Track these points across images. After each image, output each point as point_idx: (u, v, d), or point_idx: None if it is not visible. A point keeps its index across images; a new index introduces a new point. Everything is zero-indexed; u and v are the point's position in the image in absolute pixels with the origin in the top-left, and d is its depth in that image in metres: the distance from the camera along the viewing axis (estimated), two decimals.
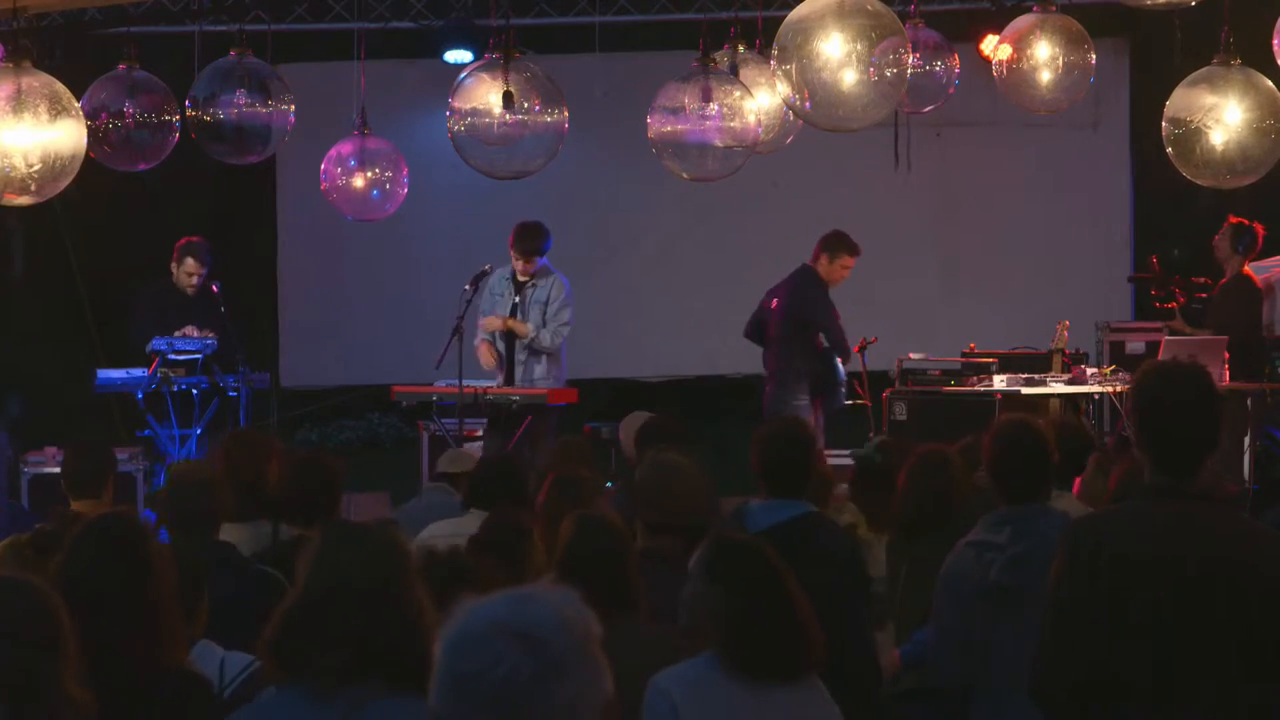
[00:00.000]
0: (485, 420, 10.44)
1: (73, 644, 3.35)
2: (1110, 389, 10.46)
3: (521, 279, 10.48)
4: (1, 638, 3.25)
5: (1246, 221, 10.88)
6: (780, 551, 4.89)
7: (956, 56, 9.23)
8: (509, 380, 10.48)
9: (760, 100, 8.87)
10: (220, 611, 4.44)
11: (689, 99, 8.69)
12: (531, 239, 10.39)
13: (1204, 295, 11.22)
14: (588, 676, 2.25)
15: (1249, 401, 10.43)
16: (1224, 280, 11.03)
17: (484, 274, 10.33)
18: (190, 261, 10.50)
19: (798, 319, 10.71)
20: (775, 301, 10.87)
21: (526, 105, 8.48)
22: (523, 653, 2.21)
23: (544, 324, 10.38)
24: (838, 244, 10.80)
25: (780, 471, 5.24)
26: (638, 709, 4.05)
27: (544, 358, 10.45)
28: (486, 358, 10.48)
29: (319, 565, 3.25)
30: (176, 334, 10.21)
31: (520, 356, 10.48)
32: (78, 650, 3.37)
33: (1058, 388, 10.56)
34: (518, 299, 10.46)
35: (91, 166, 8.76)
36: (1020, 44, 8.78)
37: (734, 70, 8.92)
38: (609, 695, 2.26)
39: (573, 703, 2.23)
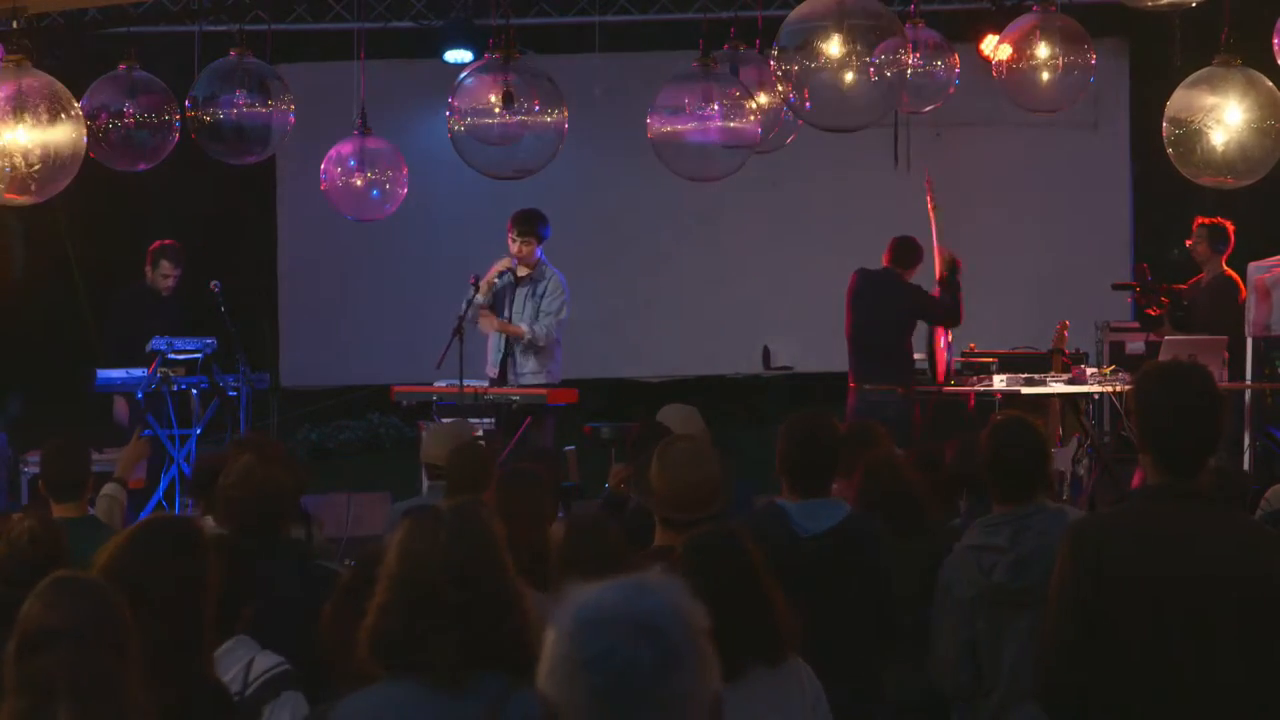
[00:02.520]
0: (490, 420, 10.43)
1: (135, 646, 3.31)
2: (1110, 389, 10.46)
3: (520, 273, 10.45)
4: (71, 638, 3.20)
5: (1218, 220, 10.91)
6: (839, 556, 4.90)
7: (956, 56, 9.24)
8: (502, 377, 10.48)
9: (760, 100, 8.87)
10: (285, 611, 4.45)
11: (689, 99, 8.69)
12: (528, 220, 10.37)
13: (1188, 303, 11.23)
14: (702, 668, 2.24)
15: (1247, 399, 10.45)
16: (1203, 280, 11.04)
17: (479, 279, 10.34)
18: (165, 264, 10.59)
19: (914, 315, 10.62)
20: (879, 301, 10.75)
21: (526, 105, 8.49)
22: (642, 642, 2.20)
23: (537, 319, 10.39)
24: (920, 252, 10.73)
25: (809, 469, 5.15)
26: None
27: (534, 353, 10.44)
28: (487, 325, 10.42)
29: (408, 552, 3.18)
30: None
31: (515, 350, 10.48)
32: (138, 652, 3.33)
33: (1058, 388, 10.55)
34: (511, 297, 10.44)
35: (91, 166, 8.76)
36: (1020, 44, 8.79)
37: (734, 70, 8.92)
38: (718, 688, 2.26)
39: (688, 693, 2.22)
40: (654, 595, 2.26)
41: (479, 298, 10.30)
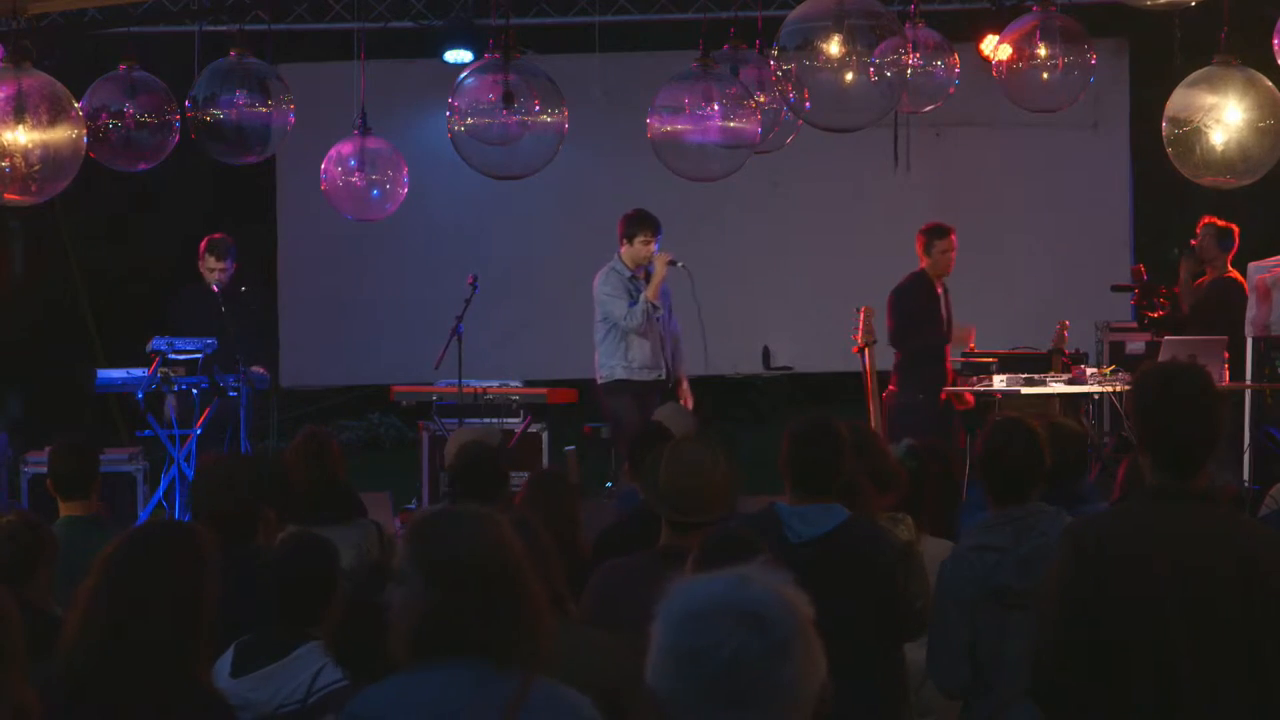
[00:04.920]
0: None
1: (20, 646, 3.32)
2: (1110, 389, 10.46)
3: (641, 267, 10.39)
4: None
5: (1223, 221, 10.92)
6: (833, 561, 4.87)
7: (956, 56, 9.24)
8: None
9: (760, 99, 8.87)
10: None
11: (689, 99, 8.69)
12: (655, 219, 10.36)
13: (1190, 305, 11.22)
14: (810, 657, 2.26)
15: (1247, 399, 10.45)
16: (1204, 280, 11.03)
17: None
18: (210, 259, 10.52)
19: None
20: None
21: (526, 105, 8.49)
22: (750, 632, 2.22)
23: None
24: (932, 231, 10.85)
25: (809, 471, 5.11)
26: None
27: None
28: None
29: (431, 541, 3.22)
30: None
31: (677, 347, 10.49)
32: (24, 651, 3.34)
33: (1058, 388, 10.55)
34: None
35: (91, 166, 8.76)
36: (1020, 44, 8.79)
37: (734, 71, 8.92)
38: (825, 676, 2.26)
39: (796, 682, 2.24)
40: (759, 585, 2.28)
41: (651, 304, 10.26)
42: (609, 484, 10.88)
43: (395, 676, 3.20)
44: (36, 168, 7.74)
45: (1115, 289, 12.53)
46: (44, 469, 9.94)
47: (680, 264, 10.33)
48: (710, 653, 2.22)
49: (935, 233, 10.80)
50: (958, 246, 10.82)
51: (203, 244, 10.62)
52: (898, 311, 10.70)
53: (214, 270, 10.51)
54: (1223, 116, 7.96)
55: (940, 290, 10.80)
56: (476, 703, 3.09)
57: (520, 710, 3.06)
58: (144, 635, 3.60)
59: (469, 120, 8.53)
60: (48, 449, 6.96)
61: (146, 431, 10.25)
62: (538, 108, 8.52)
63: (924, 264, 10.78)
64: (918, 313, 10.69)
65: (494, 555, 3.19)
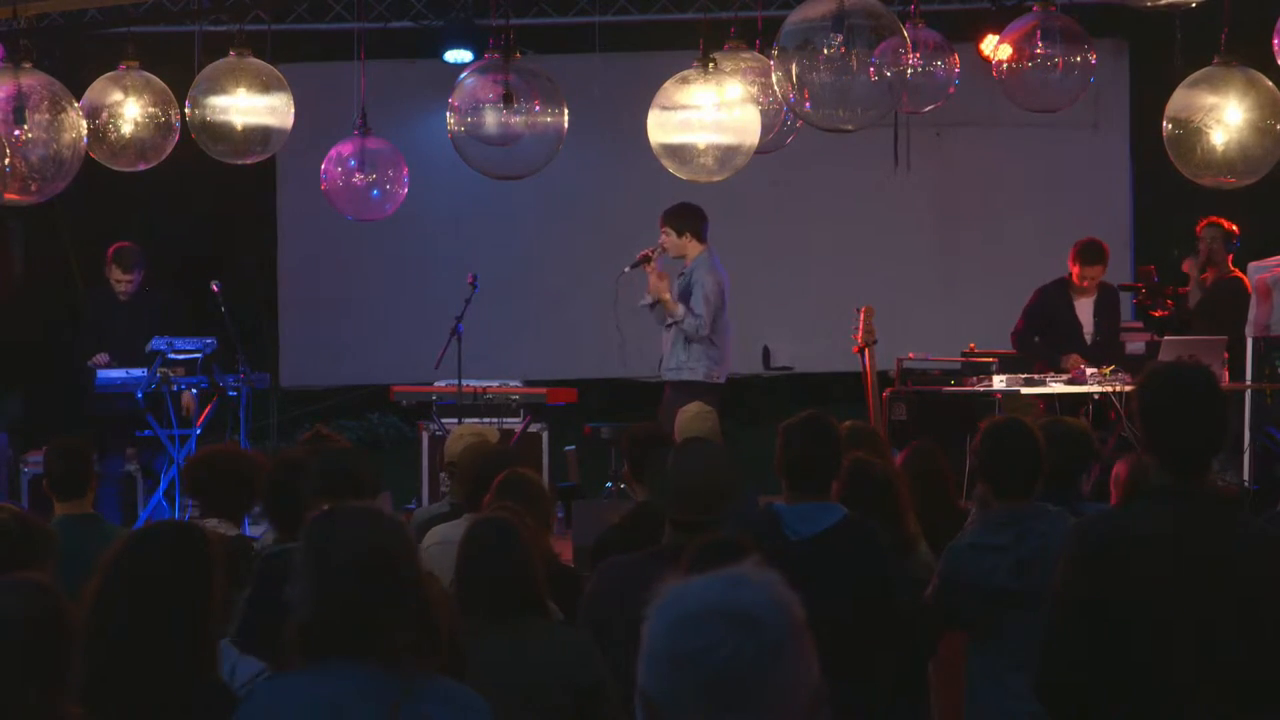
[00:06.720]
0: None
1: (73, 656, 3.28)
2: (1110, 389, 10.45)
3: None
4: None
5: (1226, 222, 10.93)
6: (831, 559, 4.88)
7: (956, 56, 9.24)
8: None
9: (759, 100, 8.87)
10: None
11: (688, 99, 8.69)
12: (667, 213, 10.34)
13: (1194, 305, 11.23)
14: (803, 659, 2.24)
15: (1247, 398, 10.45)
16: (1208, 280, 11.03)
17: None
18: (115, 270, 10.51)
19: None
20: None
21: (526, 105, 8.49)
22: (743, 635, 2.20)
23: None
24: (1073, 253, 10.97)
25: (806, 470, 5.11)
26: (548, 714, 4.06)
27: (684, 346, 10.37)
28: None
29: (318, 548, 3.22)
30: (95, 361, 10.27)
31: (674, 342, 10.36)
32: (78, 659, 3.31)
33: (1057, 388, 10.55)
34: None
35: (91, 166, 8.76)
36: (1020, 44, 8.79)
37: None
38: (817, 678, 2.25)
39: (790, 685, 2.22)
40: (752, 588, 2.25)
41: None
42: (607, 484, 10.89)
43: (288, 674, 3.23)
44: (36, 167, 7.74)
45: (1122, 288, 12.54)
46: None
47: (628, 268, 10.31)
48: (703, 656, 2.19)
49: (1076, 255, 10.91)
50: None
51: (109, 252, 10.57)
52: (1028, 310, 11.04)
53: (120, 281, 10.47)
54: (1223, 117, 7.96)
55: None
56: (361, 703, 3.11)
57: (402, 710, 3.08)
58: (153, 635, 3.60)
59: (469, 120, 8.53)
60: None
61: (146, 431, 10.26)
62: (538, 108, 8.52)
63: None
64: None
65: (382, 555, 3.20)
